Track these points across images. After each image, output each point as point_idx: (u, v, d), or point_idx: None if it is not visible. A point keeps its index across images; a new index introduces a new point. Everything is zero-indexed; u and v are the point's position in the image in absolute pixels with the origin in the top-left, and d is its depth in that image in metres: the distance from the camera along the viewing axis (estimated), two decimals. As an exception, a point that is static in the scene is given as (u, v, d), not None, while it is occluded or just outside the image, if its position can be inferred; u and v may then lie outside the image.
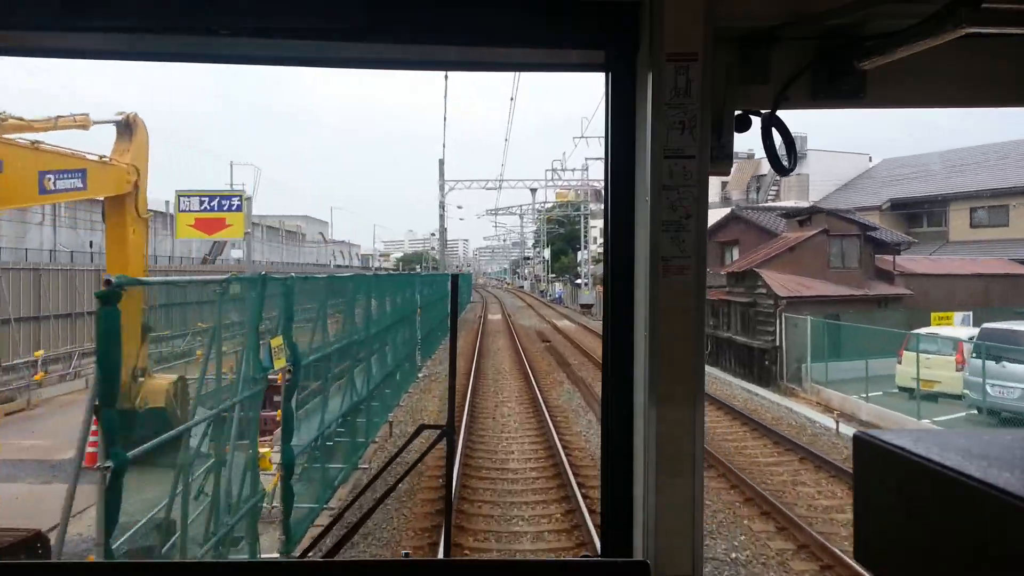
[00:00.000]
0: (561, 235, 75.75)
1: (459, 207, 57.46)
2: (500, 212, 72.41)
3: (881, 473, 0.75)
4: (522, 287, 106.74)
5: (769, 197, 48.80)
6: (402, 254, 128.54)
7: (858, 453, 0.78)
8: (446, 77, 27.86)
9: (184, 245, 51.15)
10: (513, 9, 1.72)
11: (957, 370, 16.65)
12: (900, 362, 17.86)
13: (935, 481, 0.66)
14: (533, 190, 53.93)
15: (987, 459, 0.66)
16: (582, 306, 49.42)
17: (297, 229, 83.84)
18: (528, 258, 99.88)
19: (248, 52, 1.79)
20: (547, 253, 74.09)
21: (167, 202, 56.34)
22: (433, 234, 50.45)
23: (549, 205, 70.49)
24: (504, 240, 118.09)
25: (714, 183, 43.76)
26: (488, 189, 47.65)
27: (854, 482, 0.81)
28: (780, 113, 1.78)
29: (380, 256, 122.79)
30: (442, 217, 46.40)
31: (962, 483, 0.63)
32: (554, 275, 73.63)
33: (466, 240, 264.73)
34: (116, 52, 1.80)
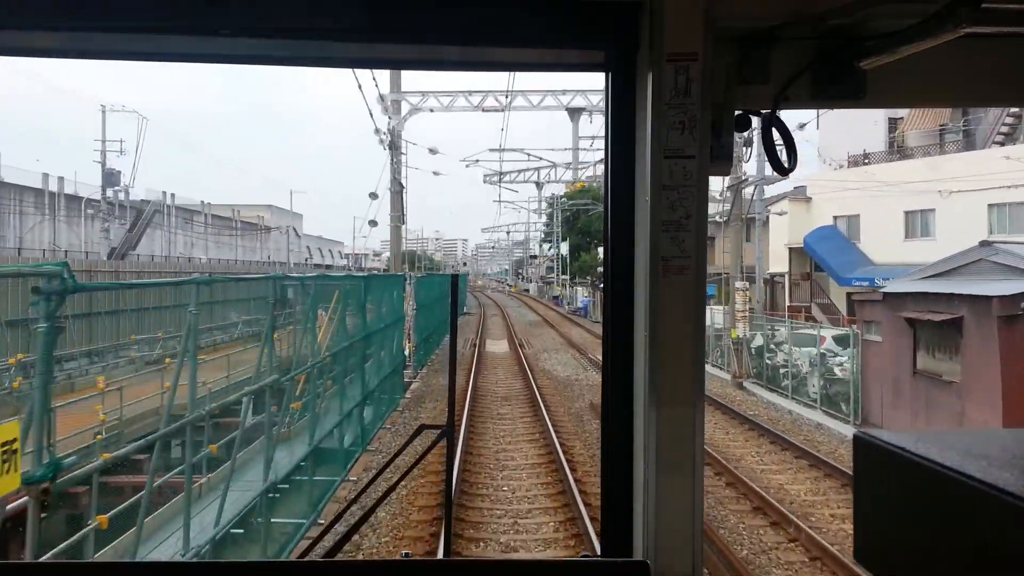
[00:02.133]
0: (576, 227, 57.64)
1: (432, 151, 30.94)
2: (508, 172, 46.98)
3: (881, 473, 0.74)
4: (527, 290, 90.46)
5: (998, 138, 29.83)
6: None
7: (858, 453, 0.77)
8: (354, 74, 17.88)
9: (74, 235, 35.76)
10: (513, 9, 1.79)
11: None
12: None
13: (935, 481, 0.67)
14: (575, 111, 30.87)
15: (987, 459, 0.67)
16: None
17: (259, 220, 66.36)
18: (535, 256, 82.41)
19: (248, 52, 1.86)
20: (565, 247, 55.64)
21: (59, 177, 39.02)
22: (383, 229, 26.68)
23: (573, 182, 51.26)
24: (508, 233, 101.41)
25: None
26: (486, 111, 25.63)
27: (854, 482, 0.80)
28: (780, 113, 1.88)
29: (374, 255, 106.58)
30: (395, 164, 21.86)
31: (962, 483, 0.64)
32: (566, 276, 55.63)
33: (465, 239, 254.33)
34: (116, 52, 1.87)
